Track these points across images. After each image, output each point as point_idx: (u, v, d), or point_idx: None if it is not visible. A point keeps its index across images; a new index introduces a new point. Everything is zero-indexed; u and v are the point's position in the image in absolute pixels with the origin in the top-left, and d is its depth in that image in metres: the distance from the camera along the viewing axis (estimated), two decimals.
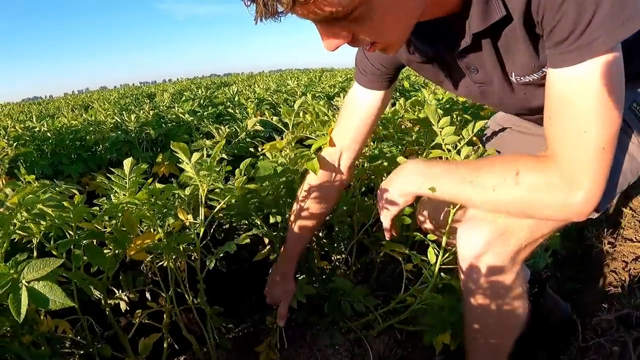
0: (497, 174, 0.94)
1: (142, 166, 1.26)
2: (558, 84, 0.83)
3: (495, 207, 0.98)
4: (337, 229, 1.71)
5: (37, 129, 2.66)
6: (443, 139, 1.22)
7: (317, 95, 3.94)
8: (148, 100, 8.56)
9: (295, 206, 1.44)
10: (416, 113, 1.58)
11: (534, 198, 0.90)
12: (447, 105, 1.57)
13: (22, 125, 3.55)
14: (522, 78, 0.96)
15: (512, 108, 1.17)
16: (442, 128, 1.21)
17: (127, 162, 1.23)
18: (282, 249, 1.51)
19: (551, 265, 2.49)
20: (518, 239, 1.01)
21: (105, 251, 1.22)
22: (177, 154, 1.22)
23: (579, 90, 0.80)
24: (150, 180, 1.33)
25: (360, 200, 1.69)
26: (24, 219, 0.99)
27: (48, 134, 2.48)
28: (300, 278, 1.56)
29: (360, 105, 1.29)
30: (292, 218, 1.45)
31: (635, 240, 2.70)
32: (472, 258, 1.05)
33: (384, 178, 1.59)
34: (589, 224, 3.27)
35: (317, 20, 0.77)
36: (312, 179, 1.39)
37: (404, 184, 1.11)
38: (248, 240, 1.28)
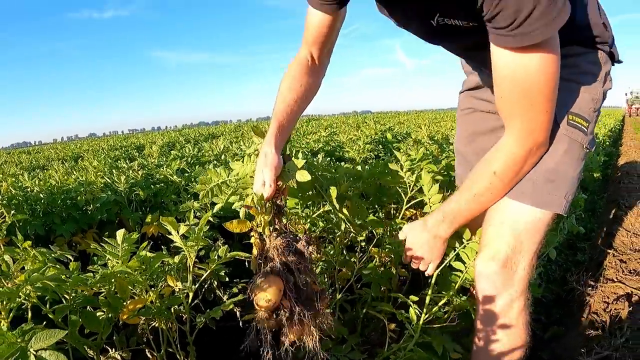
0: (482, 184, 1.23)
1: (133, 236, 1.33)
2: (506, 69, 1.08)
3: (500, 196, 1.25)
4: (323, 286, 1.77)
5: (30, 188, 2.73)
6: (431, 207, 1.36)
7: (301, 150, 4.07)
8: (137, 153, 8.70)
9: (285, 84, 1.50)
10: (389, 177, 1.69)
11: (518, 169, 1.21)
12: (416, 164, 1.69)
13: (12, 180, 3.61)
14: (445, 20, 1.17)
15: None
16: (429, 190, 1.36)
17: (120, 233, 1.31)
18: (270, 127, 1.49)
19: (536, 310, 2.57)
20: (523, 258, 1.25)
21: (98, 313, 1.28)
22: (164, 223, 1.30)
23: (524, 73, 1.06)
24: (144, 244, 1.40)
25: (342, 258, 1.76)
26: (28, 291, 1.06)
27: (41, 194, 2.54)
28: None
29: (312, 25, 1.44)
30: (282, 94, 1.50)
31: (616, 280, 2.80)
32: (489, 284, 1.26)
33: (361, 234, 1.70)
34: (571, 266, 3.37)
35: None
36: (292, 69, 1.51)
37: (436, 240, 1.37)
38: (232, 306, 1.35)
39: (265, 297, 1.15)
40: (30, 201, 2.50)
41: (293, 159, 1.37)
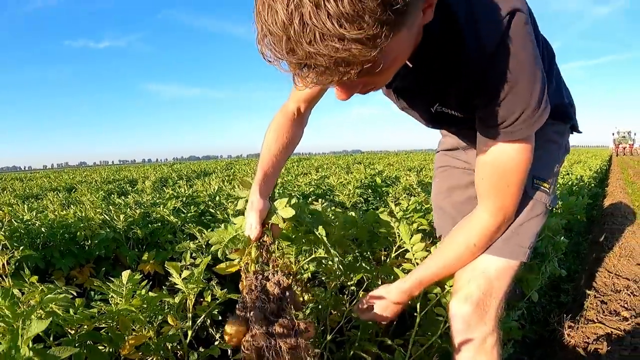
0: (459, 253, 1.40)
1: (135, 276, 1.43)
2: (490, 156, 1.25)
3: (472, 259, 1.42)
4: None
5: (31, 221, 2.81)
6: (414, 254, 1.48)
7: (293, 195, 4.17)
8: (130, 187, 8.81)
9: (270, 135, 1.60)
10: (380, 228, 1.79)
11: (491, 238, 1.38)
12: (408, 215, 1.80)
13: (9, 209, 3.68)
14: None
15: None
16: (413, 245, 1.47)
17: (125, 274, 1.40)
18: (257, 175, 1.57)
19: (519, 350, 2.65)
20: (494, 300, 1.38)
21: (99, 347, 1.37)
22: (168, 268, 1.40)
23: (506, 162, 1.23)
24: (143, 284, 1.49)
25: (334, 299, 1.85)
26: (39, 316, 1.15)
27: (42, 228, 2.63)
28: None
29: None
30: (268, 145, 1.59)
31: (596, 320, 2.91)
32: (463, 325, 1.39)
33: (352, 278, 1.80)
34: (555, 307, 3.46)
35: (349, 81, 0.86)
36: (279, 119, 1.61)
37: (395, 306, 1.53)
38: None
39: (228, 332, 1.24)
40: (31, 235, 2.58)
41: (277, 199, 1.50)
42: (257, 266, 1.37)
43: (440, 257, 1.45)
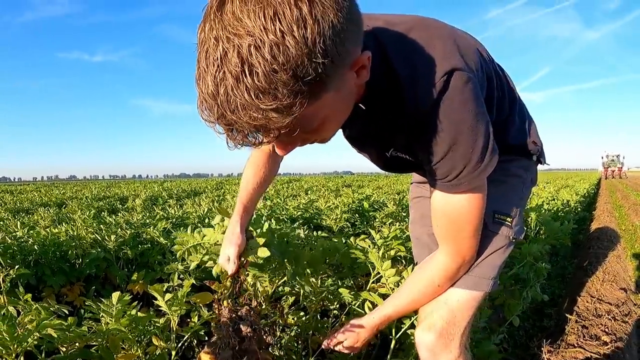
0: (423, 290, 1.47)
1: (125, 298, 1.49)
2: (440, 205, 1.32)
3: (435, 297, 1.48)
4: (296, 349, 1.91)
5: (23, 238, 2.86)
6: (387, 280, 1.55)
7: (281, 219, 4.25)
8: (120, 205, 8.87)
9: (249, 170, 1.68)
10: (362, 255, 1.87)
11: (453, 278, 1.43)
12: (388, 242, 1.87)
13: (1, 223, 3.72)
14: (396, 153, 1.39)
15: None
16: (385, 270, 1.54)
17: (115, 295, 1.46)
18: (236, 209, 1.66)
19: None
20: (457, 329, 1.45)
21: None
22: (152, 291, 1.47)
23: (454, 210, 1.30)
24: (134, 304, 1.55)
25: (316, 321, 1.91)
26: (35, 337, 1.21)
27: (35, 246, 2.68)
28: None
29: None
30: (247, 179, 1.68)
31: (577, 345, 2.97)
32: (428, 353, 1.46)
33: (334, 303, 1.87)
34: (538, 332, 3.52)
35: (285, 136, 0.92)
36: (257, 156, 1.68)
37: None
38: None
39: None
40: (24, 252, 2.63)
41: (255, 237, 1.57)
42: (229, 302, 1.43)
43: (407, 295, 1.51)
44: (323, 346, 1.66)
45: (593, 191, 19.50)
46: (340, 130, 1.44)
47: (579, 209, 9.53)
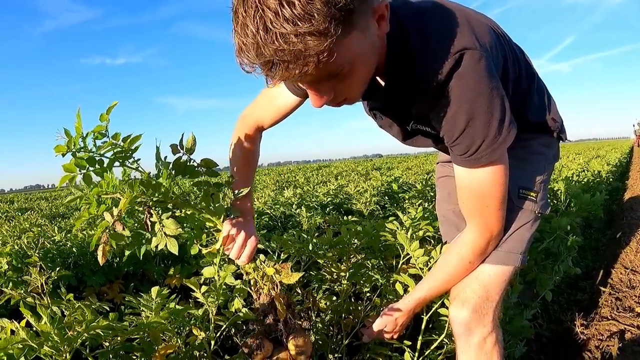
0: (455, 269, 1.50)
1: (164, 292, 1.55)
2: (464, 181, 1.35)
3: (468, 273, 1.51)
4: (330, 332, 1.96)
5: (62, 242, 2.97)
6: (416, 260, 1.58)
7: (311, 206, 4.29)
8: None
9: (240, 148, 1.67)
10: (389, 236, 1.90)
11: (483, 254, 1.47)
12: (416, 223, 1.89)
13: (38, 229, 3.85)
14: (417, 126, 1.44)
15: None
16: (414, 251, 1.58)
17: (154, 290, 1.53)
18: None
19: (535, 349, 2.72)
20: (490, 304, 1.48)
21: (132, 357, 1.50)
22: (188, 284, 1.52)
23: (478, 185, 1.33)
24: (172, 297, 1.62)
25: (348, 304, 1.95)
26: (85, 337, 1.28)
27: (73, 248, 2.78)
28: None
29: (279, 100, 1.62)
30: (242, 161, 1.71)
31: (610, 318, 2.97)
32: (463, 328, 1.49)
33: (367, 286, 1.91)
34: (572, 305, 3.51)
35: (313, 82, 1.05)
36: (240, 133, 1.68)
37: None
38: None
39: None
40: (63, 255, 2.74)
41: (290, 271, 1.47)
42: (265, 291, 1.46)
43: (439, 275, 1.55)
44: (364, 339, 1.71)
45: (625, 160, 19.10)
46: (364, 106, 1.53)
47: (611, 180, 9.35)
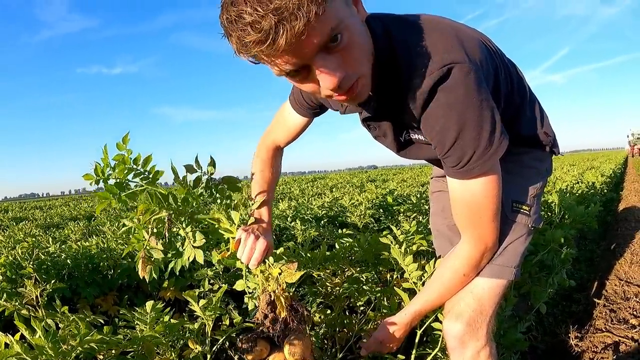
0: (450, 282, 1.50)
1: (158, 305, 1.55)
2: (458, 192, 1.36)
3: (463, 286, 1.51)
4: (325, 346, 1.96)
5: (56, 253, 2.96)
6: (410, 274, 1.58)
7: (306, 218, 4.30)
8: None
9: (259, 166, 1.83)
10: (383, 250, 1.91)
11: (478, 267, 1.47)
12: (410, 237, 1.90)
13: (33, 239, 3.85)
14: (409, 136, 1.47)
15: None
16: (408, 265, 1.58)
17: (149, 304, 1.53)
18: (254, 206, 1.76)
19: None
20: (484, 318, 1.48)
21: None
22: (186, 297, 1.53)
23: (472, 196, 1.33)
24: (166, 310, 1.62)
25: (343, 318, 1.96)
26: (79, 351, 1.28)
27: (68, 260, 2.78)
28: None
29: (289, 122, 1.80)
30: (260, 176, 1.83)
31: (605, 329, 2.98)
32: (456, 342, 1.49)
33: (361, 299, 1.91)
34: (567, 318, 3.52)
35: (318, 49, 1.04)
36: (260, 151, 1.87)
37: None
38: None
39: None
40: (57, 266, 2.73)
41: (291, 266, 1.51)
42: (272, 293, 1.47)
43: (434, 288, 1.55)
44: (361, 353, 1.71)
45: (620, 171, 19.19)
46: (359, 117, 1.54)
47: (605, 190, 9.39)
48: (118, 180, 1.41)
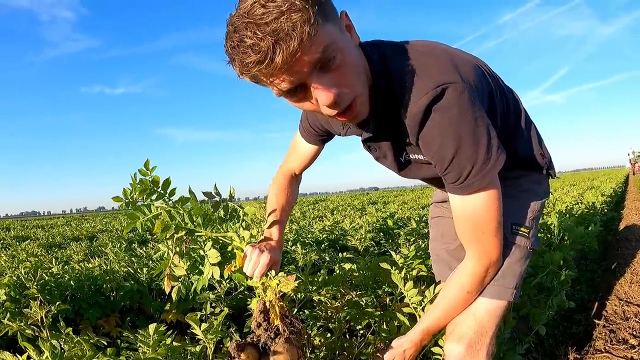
0: (455, 299, 1.52)
1: (160, 328, 1.58)
2: (460, 209, 1.39)
3: (469, 304, 1.53)
4: None
5: (59, 274, 2.99)
6: (410, 299, 1.61)
7: (307, 242, 4.32)
8: (150, 236, 9.06)
9: (274, 191, 1.90)
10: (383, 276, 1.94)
11: (482, 283, 1.49)
12: (409, 262, 1.93)
13: (35, 259, 3.87)
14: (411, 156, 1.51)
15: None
16: (408, 291, 1.61)
17: (152, 327, 1.56)
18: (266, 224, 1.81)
19: None
20: (485, 339, 1.50)
21: None
22: (188, 321, 1.56)
23: (473, 211, 1.37)
24: (169, 333, 1.64)
25: (342, 341, 1.97)
26: None
27: (71, 281, 2.81)
28: None
29: (300, 150, 1.89)
30: (274, 200, 1.88)
31: (604, 350, 2.97)
32: None
33: (361, 323, 1.94)
34: (567, 339, 3.52)
35: (312, 68, 1.11)
36: (276, 178, 1.95)
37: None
38: None
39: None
40: (61, 287, 2.76)
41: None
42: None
43: (440, 306, 1.57)
44: None
45: (620, 190, 19.15)
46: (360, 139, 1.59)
47: (606, 210, 9.39)
48: (143, 203, 1.54)
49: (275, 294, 1.44)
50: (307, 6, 1.03)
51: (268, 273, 1.54)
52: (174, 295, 1.53)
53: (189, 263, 1.60)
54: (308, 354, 1.97)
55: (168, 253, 1.62)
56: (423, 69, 1.25)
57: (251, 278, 1.55)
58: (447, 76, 1.22)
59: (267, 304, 1.46)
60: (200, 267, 1.62)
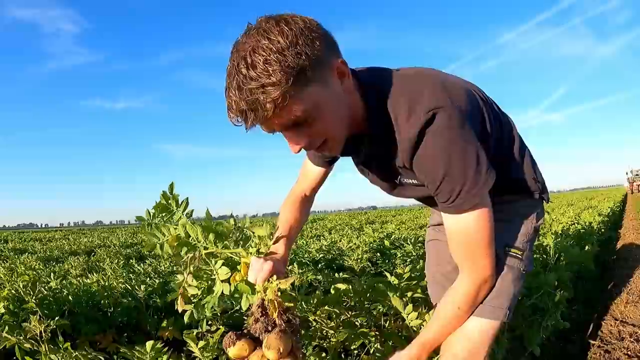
0: (448, 317, 1.54)
1: (157, 345, 1.60)
2: (452, 228, 1.43)
3: (463, 322, 1.55)
4: None
5: (57, 289, 3.00)
6: (410, 322, 1.64)
7: (303, 262, 4.33)
8: (148, 252, 9.04)
9: (284, 210, 1.94)
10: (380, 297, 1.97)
11: (474, 301, 1.51)
12: (405, 282, 1.96)
13: (34, 273, 3.88)
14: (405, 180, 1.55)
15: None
16: (408, 314, 1.64)
17: (149, 344, 1.58)
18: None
19: None
20: (477, 358, 1.54)
21: None
22: (185, 339, 1.58)
23: (465, 230, 1.41)
24: (165, 350, 1.66)
25: None
26: None
27: (69, 296, 2.82)
28: None
29: (309, 172, 1.93)
30: (285, 219, 1.91)
31: None
32: None
33: (355, 343, 1.96)
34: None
35: (285, 128, 1.23)
36: (288, 199, 1.98)
37: None
38: None
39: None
40: (59, 302, 2.77)
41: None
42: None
43: (435, 323, 1.59)
44: None
45: (618, 209, 19.12)
46: (354, 162, 1.66)
47: (603, 230, 9.37)
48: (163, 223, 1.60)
49: (274, 291, 1.48)
50: (288, 79, 1.12)
51: (270, 279, 1.58)
52: (186, 319, 1.56)
53: (204, 285, 1.63)
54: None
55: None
56: (415, 95, 1.31)
57: (254, 287, 1.58)
58: (438, 101, 1.28)
59: (267, 301, 1.48)
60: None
